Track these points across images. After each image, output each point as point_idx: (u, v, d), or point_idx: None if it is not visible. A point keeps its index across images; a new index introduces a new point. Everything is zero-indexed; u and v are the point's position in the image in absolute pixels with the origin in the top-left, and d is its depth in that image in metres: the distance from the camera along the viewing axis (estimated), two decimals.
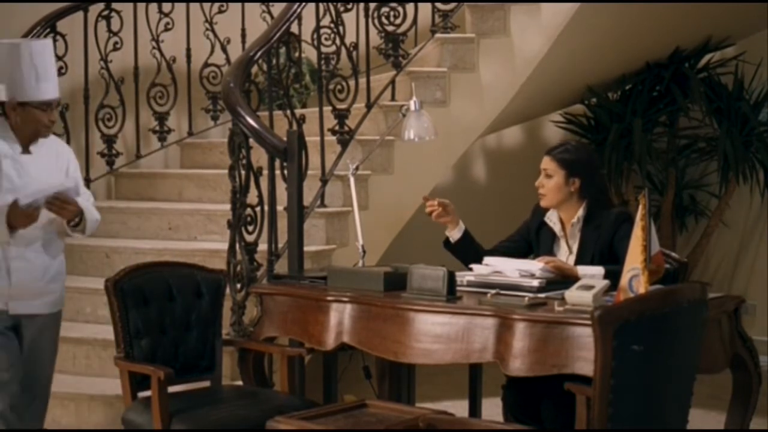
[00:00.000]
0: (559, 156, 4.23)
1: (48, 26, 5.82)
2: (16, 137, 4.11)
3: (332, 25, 5.53)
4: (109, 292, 4.06)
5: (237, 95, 4.84)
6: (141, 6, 6.33)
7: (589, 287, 3.64)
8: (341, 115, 5.44)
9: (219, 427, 3.82)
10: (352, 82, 5.56)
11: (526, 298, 3.73)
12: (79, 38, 6.00)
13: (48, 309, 4.17)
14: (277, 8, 6.14)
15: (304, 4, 5.33)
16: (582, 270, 4.00)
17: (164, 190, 6.15)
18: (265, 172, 4.78)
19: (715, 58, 7.18)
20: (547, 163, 4.25)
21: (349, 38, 5.61)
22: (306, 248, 4.73)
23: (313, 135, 5.28)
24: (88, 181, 5.91)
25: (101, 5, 6.18)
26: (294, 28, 5.59)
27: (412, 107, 4.55)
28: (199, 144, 6.54)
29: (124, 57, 6.32)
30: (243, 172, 4.79)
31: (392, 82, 5.69)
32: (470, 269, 4.15)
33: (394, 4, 5.59)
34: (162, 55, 6.43)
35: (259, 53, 5.14)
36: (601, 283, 3.66)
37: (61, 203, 4.02)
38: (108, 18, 6.20)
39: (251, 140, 4.79)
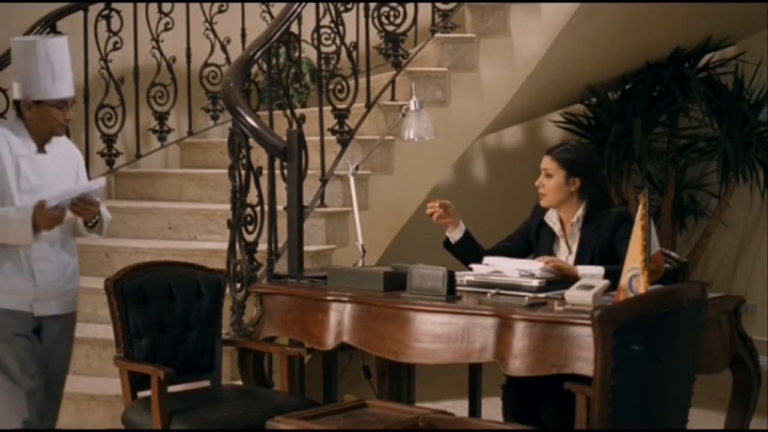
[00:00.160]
0: (559, 156, 4.23)
1: (48, 26, 5.82)
2: (32, 136, 4.09)
3: (332, 25, 5.52)
4: (109, 291, 4.06)
5: (237, 95, 4.84)
6: (141, 6, 6.33)
7: (589, 287, 3.64)
8: (341, 115, 5.44)
9: (219, 427, 3.82)
10: (352, 82, 5.55)
11: (526, 298, 3.73)
12: (79, 38, 5.99)
13: (67, 309, 4.17)
14: (277, 8, 6.14)
15: (304, 4, 5.33)
16: (582, 270, 4.00)
17: (164, 190, 6.15)
18: (265, 171, 4.78)
19: (715, 58, 7.18)
20: (547, 163, 4.25)
21: (349, 38, 5.61)
22: (306, 248, 4.73)
23: (313, 135, 5.28)
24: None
25: (101, 5, 6.18)
26: (294, 28, 5.59)
27: (412, 107, 4.55)
28: (199, 144, 6.54)
29: (124, 57, 6.32)
30: (243, 172, 4.79)
31: (392, 81, 5.69)
32: (470, 269, 4.15)
33: (394, 4, 5.59)
34: (162, 54, 6.43)
35: (259, 53, 5.14)
36: (601, 283, 3.66)
37: (84, 204, 4.02)
38: (108, 18, 6.20)
39: (251, 140, 4.79)
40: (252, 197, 4.81)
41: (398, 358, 3.96)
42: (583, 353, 3.45)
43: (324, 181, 5.30)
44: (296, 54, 6.15)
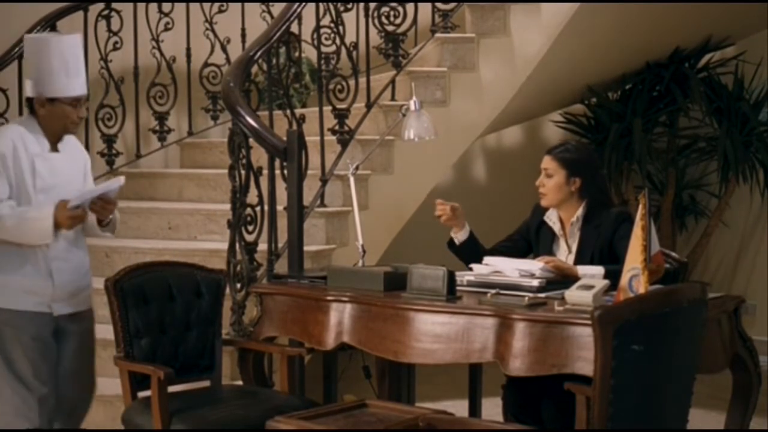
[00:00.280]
0: (560, 155, 4.23)
1: (48, 26, 5.82)
2: (45, 134, 4.08)
3: (332, 25, 5.52)
4: (109, 291, 4.06)
5: (237, 95, 4.84)
6: (141, 6, 6.33)
7: (589, 287, 3.64)
8: (341, 115, 5.44)
9: (219, 427, 3.82)
10: (352, 82, 5.55)
11: (526, 298, 3.73)
12: None
13: (83, 306, 4.17)
14: (277, 8, 6.14)
15: (304, 4, 5.33)
16: (582, 270, 4.00)
17: (164, 190, 6.15)
18: (265, 171, 4.78)
19: (715, 58, 7.18)
20: (547, 163, 4.25)
21: (349, 38, 5.61)
22: (306, 248, 4.72)
23: (313, 135, 5.27)
24: None
25: (101, 5, 6.18)
26: (294, 28, 5.59)
27: (412, 107, 4.55)
28: (199, 144, 6.54)
29: (124, 57, 6.32)
30: (243, 172, 4.79)
31: (392, 81, 5.69)
32: (470, 269, 4.15)
33: (394, 4, 5.59)
34: (162, 54, 6.43)
35: (259, 53, 5.14)
36: (601, 283, 3.66)
37: (103, 203, 4.02)
38: (108, 18, 6.20)
39: (251, 140, 4.79)
40: (252, 197, 4.80)
41: (398, 358, 3.96)
42: (583, 353, 3.45)
43: (324, 181, 5.30)
44: (296, 54, 6.14)
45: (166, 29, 6.44)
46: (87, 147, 6.05)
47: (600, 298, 3.60)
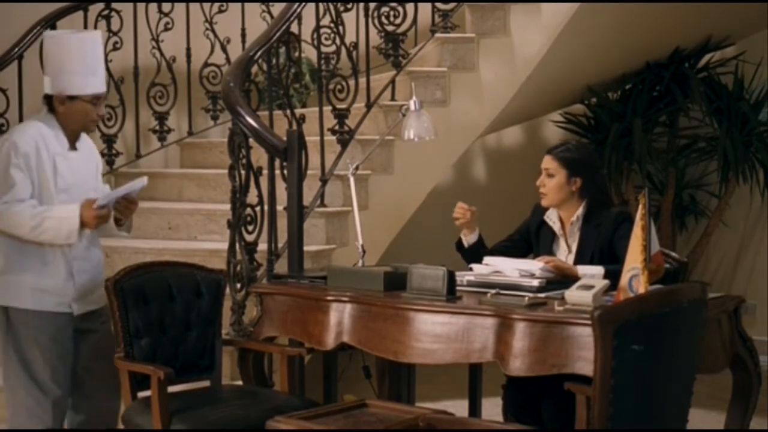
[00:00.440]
0: (560, 155, 4.24)
1: (48, 26, 5.81)
2: (64, 132, 4.06)
3: (332, 25, 5.52)
4: (109, 291, 4.05)
5: (237, 95, 4.84)
6: (141, 6, 6.33)
7: (589, 287, 3.64)
8: (341, 115, 5.44)
9: (219, 427, 3.81)
10: (352, 82, 5.55)
11: (526, 298, 3.73)
12: None
13: (101, 302, 4.16)
14: (277, 8, 6.13)
15: (304, 4, 5.33)
16: (582, 270, 4.00)
17: (164, 190, 6.15)
18: (265, 171, 4.78)
19: (715, 58, 7.18)
20: (548, 163, 4.25)
21: (349, 38, 5.61)
22: (306, 248, 4.72)
23: (313, 135, 5.27)
24: None
25: (101, 5, 6.18)
26: (294, 28, 5.59)
27: (412, 107, 4.55)
28: (199, 144, 6.54)
29: (124, 57, 6.32)
30: (243, 172, 4.79)
31: (392, 81, 5.69)
32: (470, 269, 4.15)
33: (394, 4, 5.59)
34: (162, 54, 6.43)
35: (259, 53, 5.13)
36: (601, 283, 3.66)
37: (127, 203, 4.02)
38: (108, 18, 6.20)
39: (251, 140, 4.79)
40: (252, 197, 4.80)
41: (398, 358, 3.96)
42: (583, 353, 3.45)
43: (324, 181, 5.29)
44: (296, 54, 6.14)
45: (166, 29, 6.44)
46: None
47: (600, 298, 3.60)
